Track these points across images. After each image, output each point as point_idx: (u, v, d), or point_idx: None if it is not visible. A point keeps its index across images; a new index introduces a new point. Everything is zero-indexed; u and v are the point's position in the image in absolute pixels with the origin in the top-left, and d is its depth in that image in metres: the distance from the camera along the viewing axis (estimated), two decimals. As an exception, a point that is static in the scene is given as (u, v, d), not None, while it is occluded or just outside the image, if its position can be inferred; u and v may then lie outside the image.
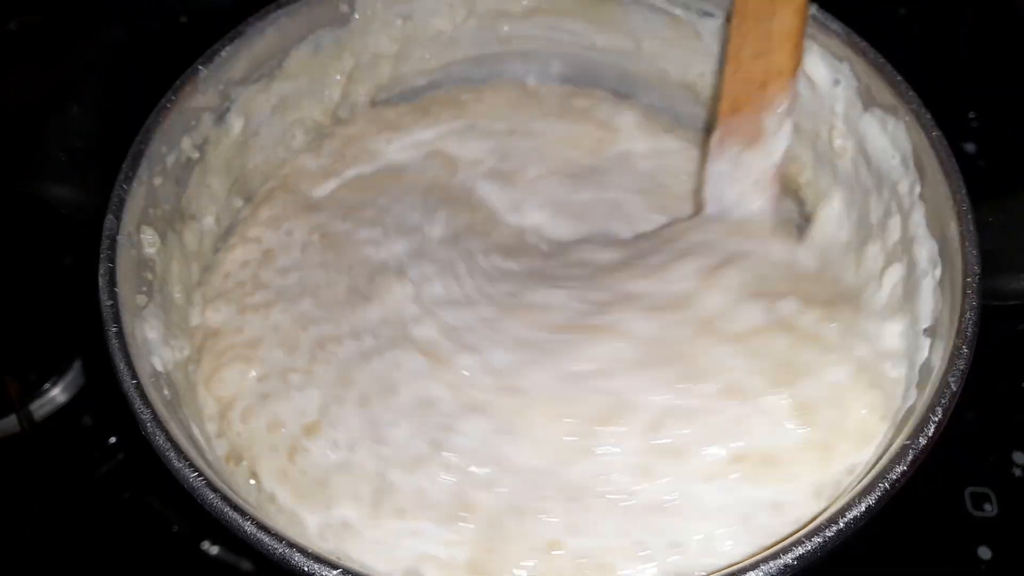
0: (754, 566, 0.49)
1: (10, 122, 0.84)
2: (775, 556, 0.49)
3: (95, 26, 0.92)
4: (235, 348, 0.68)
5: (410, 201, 0.76)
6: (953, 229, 0.60)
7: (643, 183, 0.79)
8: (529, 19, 0.82)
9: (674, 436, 0.60)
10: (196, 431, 0.62)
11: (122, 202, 0.62)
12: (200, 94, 0.69)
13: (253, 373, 0.67)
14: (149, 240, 0.64)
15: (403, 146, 0.81)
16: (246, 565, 0.70)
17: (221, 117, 0.72)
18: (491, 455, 0.61)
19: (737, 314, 0.64)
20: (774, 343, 0.62)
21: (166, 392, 0.60)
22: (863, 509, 0.50)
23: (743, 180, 0.70)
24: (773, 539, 0.55)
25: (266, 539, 0.50)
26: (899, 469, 0.52)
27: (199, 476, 0.52)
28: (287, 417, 0.64)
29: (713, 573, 0.53)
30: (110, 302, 0.58)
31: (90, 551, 0.71)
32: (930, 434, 0.53)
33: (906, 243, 0.66)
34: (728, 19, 0.73)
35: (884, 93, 0.67)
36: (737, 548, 0.57)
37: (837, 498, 0.55)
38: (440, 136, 0.81)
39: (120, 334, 0.57)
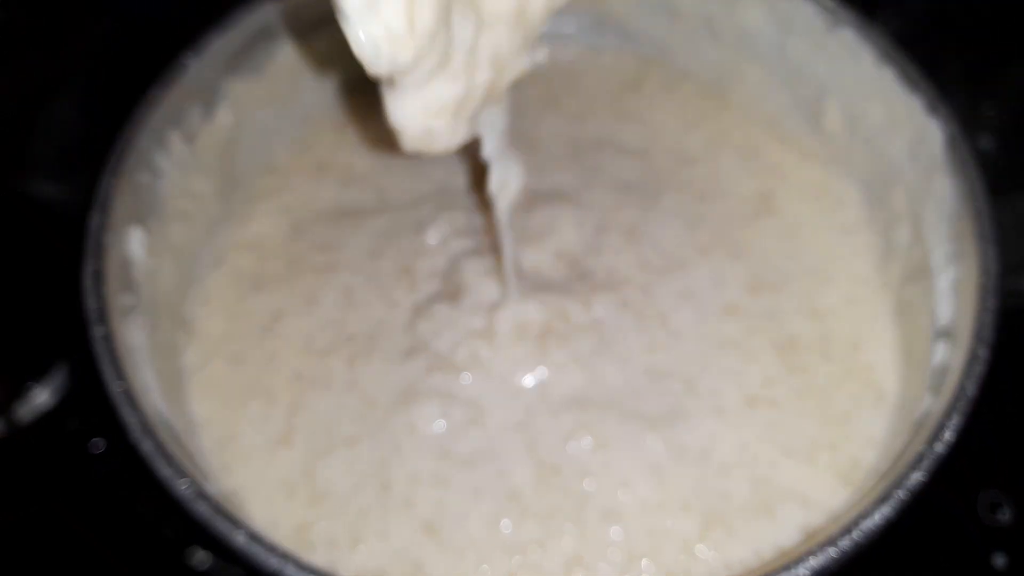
0: (767, 578, 0.47)
1: (-3, 117, 0.83)
2: (788, 567, 0.48)
3: (82, 18, 0.91)
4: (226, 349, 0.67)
5: None
6: (969, 227, 0.59)
7: None
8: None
9: None
10: (184, 435, 0.60)
11: (108, 199, 0.61)
12: (188, 87, 0.68)
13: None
14: (137, 239, 0.63)
15: None
16: (236, 573, 0.68)
17: (209, 111, 0.70)
18: None
19: None
20: None
21: (154, 397, 0.58)
22: (878, 519, 0.49)
23: None
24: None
25: (259, 551, 0.49)
26: (915, 476, 0.50)
27: (188, 485, 0.51)
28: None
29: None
30: (96, 303, 0.57)
31: (75, 557, 0.70)
32: (946, 440, 0.52)
33: (920, 242, 0.64)
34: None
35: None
36: None
37: (852, 506, 0.54)
38: None
39: (107, 336, 0.56)
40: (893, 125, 0.67)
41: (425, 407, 0.62)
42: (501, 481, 0.60)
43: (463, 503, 0.59)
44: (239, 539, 0.49)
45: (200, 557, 0.65)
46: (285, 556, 0.48)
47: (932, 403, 0.56)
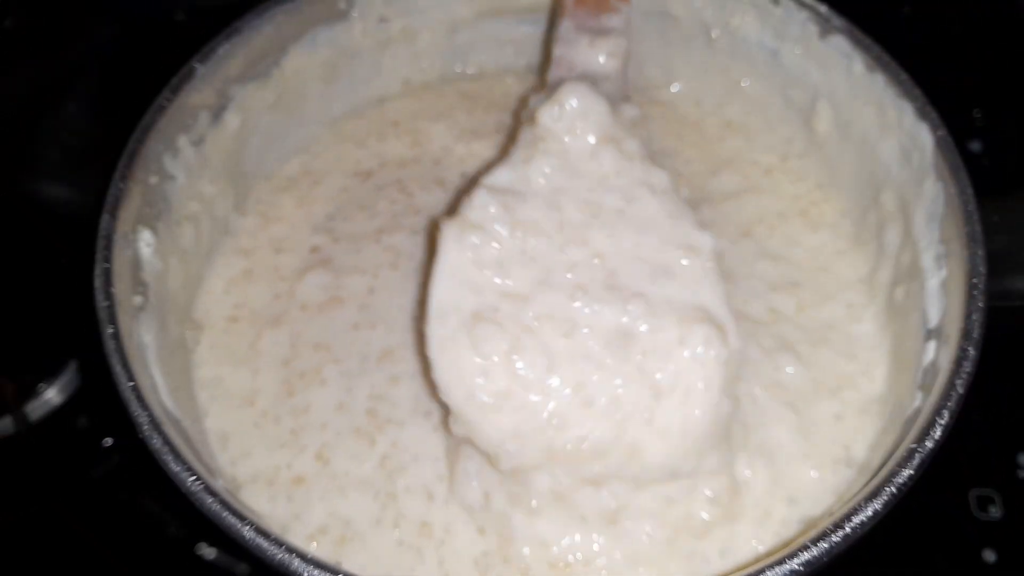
0: (760, 572, 0.48)
1: (4, 120, 0.83)
2: (781, 562, 0.49)
3: (91, 23, 0.92)
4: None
5: None
6: (959, 229, 0.59)
7: None
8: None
9: None
10: (193, 432, 0.61)
11: (118, 201, 0.61)
12: (197, 92, 0.68)
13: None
14: (145, 240, 0.64)
15: None
16: (242, 569, 0.69)
17: (218, 115, 0.71)
18: None
19: None
20: None
21: (163, 395, 0.59)
22: (870, 514, 0.50)
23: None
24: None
25: (265, 544, 0.49)
26: (906, 473, 0.51)
27: (197, 480, 0.52)
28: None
29: (720, 577, 0.53)
30: (106, 303, 0.57)
31: (85, 553, 0.71)
32: (936, 437, 0.52)
33: (911, 244, 0.65)
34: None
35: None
36: None
37: (843, 502, 0.55)
38: None
39: (116, 335, 0.56)
40: (884, 129, 0.68)
41: None
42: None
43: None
44: (247, 533, 0.50)
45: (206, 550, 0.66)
46: (291, 550, 0.49)
47: (923, 401, 0.57)
